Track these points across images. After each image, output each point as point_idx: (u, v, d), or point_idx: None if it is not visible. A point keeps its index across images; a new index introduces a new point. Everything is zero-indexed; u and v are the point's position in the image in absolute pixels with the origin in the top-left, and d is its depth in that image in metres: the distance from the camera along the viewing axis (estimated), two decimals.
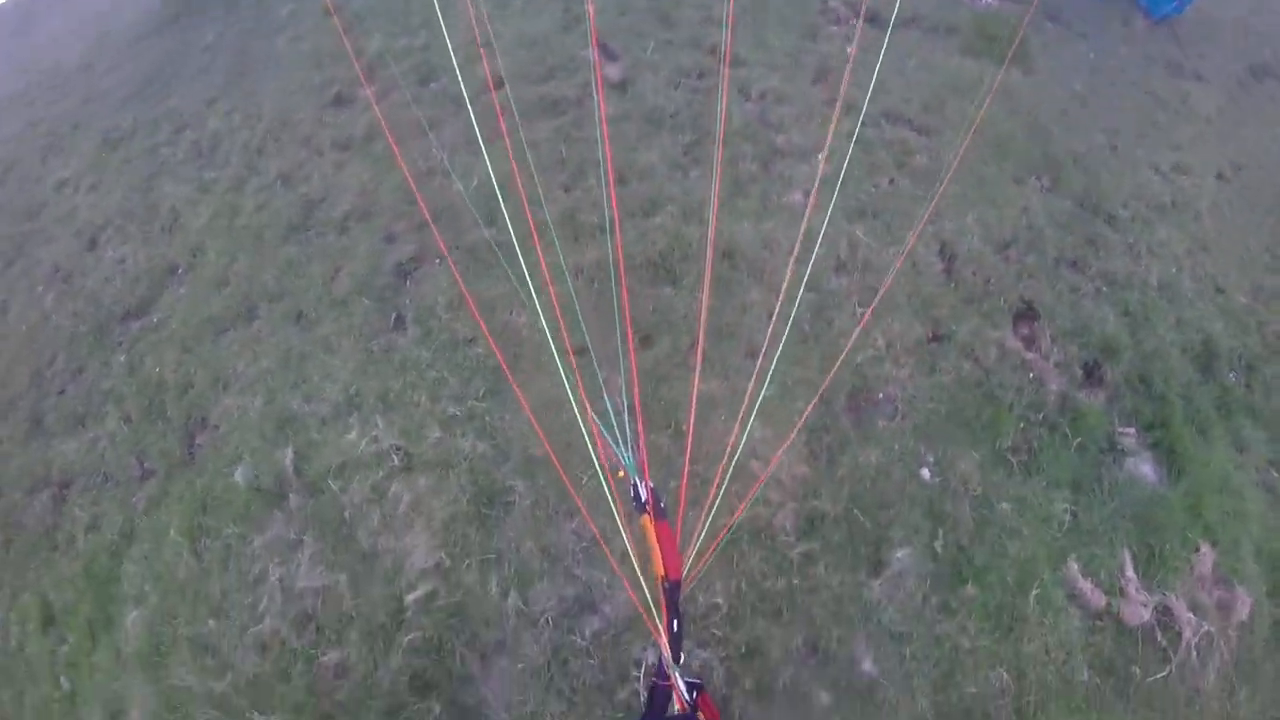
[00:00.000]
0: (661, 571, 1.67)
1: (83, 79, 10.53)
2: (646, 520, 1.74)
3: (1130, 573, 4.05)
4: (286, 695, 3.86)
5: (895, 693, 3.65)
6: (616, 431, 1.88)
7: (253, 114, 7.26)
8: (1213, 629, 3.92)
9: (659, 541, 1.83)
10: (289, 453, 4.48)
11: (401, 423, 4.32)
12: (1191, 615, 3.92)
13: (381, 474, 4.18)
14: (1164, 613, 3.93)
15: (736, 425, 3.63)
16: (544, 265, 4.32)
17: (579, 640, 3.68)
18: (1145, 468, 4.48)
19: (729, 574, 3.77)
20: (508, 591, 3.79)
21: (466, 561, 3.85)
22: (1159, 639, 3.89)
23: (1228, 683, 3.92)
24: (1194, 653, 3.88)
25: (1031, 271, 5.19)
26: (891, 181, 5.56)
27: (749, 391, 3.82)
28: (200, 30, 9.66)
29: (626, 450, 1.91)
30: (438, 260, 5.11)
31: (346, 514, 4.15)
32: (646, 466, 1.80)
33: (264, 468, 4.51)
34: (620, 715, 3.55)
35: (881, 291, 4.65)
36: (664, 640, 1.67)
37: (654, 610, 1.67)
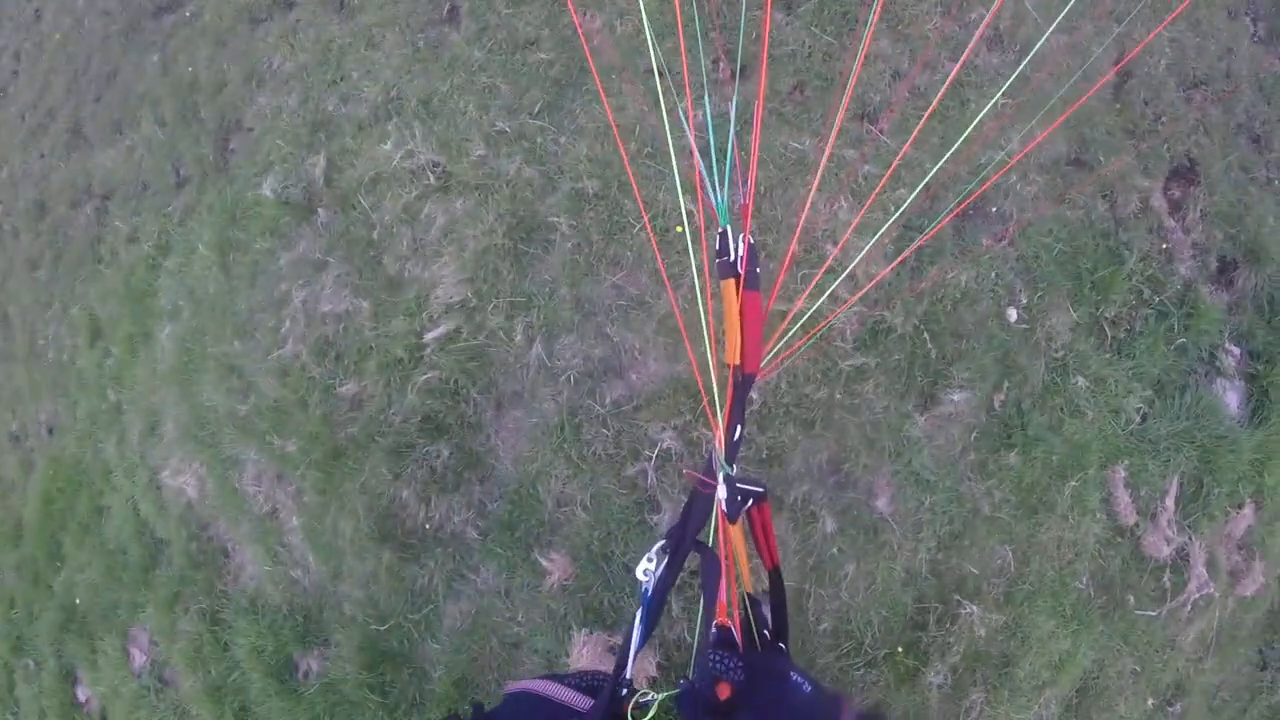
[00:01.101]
0: (736, 359, 1.04)
1: None
2: (732, 286, 1.08)
3: (1170, 502, 3.50)
4: (303, 424, 3.61)
5: (900, 538, 3.24)
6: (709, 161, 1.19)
7: None
8: (1215, 593, 3.50)
9: (744, 317, 1.18)
10: (321, 160, 3.97)
11: (442, 133, 3.68)
12: (1204, 570, 3.48)
13: (415, 192, 3.62)
14: (1182, 556, 3.48)
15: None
16: None
17: (597, 406, 3.28)
18: (1232, 397, 3.74)
19: (769, 369, 3.21)
20: (533, 340, 3.36)
21: (494, 301, 3.38)
22: (1165, 579, 3.45)
23: (1203, 647, 3.59)
24: (1188, 606, 3.48)
25: (1210, 127, 4.06)
26: None
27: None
28: None
29: (721, 190, 1.20)
30: None
31: (375, 234, 3.67)
32: (749, 211, 1.10)
33: (294, 177, 4.04)
34: (624, 491, 3.24)
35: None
36: (720, 439, 1.20)
37: (716, 401, 1.08)
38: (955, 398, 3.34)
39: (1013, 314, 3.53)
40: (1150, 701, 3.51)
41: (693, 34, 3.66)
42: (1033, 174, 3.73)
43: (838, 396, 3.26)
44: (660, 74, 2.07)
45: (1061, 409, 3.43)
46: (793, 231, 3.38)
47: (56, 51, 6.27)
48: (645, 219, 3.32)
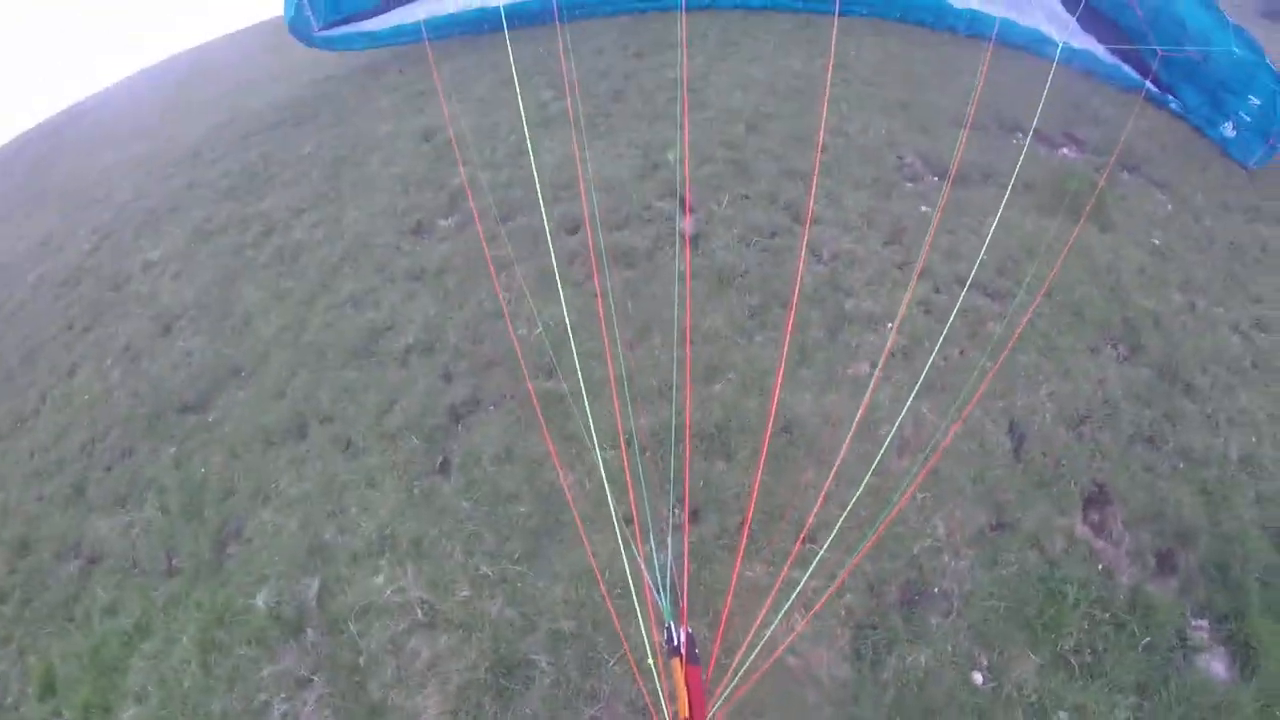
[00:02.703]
0: (685, 714, 1.78)
1: (191, 163, 11.40)
2: (678, 663, 1.86)
3: None
4: None
5: None
6: (659, 579, 2.00)
7: (335, 230, 7.71)
8: None
9: (688, 683, 1.97)
10: (315, 584, 4.50)
11: (431, 573, 4.34)
12: None
13: (403, 626, 4.16)
14: None
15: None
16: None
17: None
18: (1217, 665, 4.19)
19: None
20: None
21: None
22: None
23: None
24: None
25: (1105, 451, 5.03)
26: (962, 353, 5.52)
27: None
28: (302, 138, 10.48)
29: (666, 595, 2.04)
30: (492, 407, 5.27)
31: (361, 660, 4.11)
32: (685, 612, 1.91)
33: (287, 594, 4.53)
34: None
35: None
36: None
37: None
38: None
39: (978, 677, 3.97)
40: None
41: (655, 484, 4.54)
42: (962, 549, 4.43)
43: None
44: (628, 520, 2.72)
45: None
46: (752, 648, 3.91)
47: (81, 411, 6.87)
48: (626, 647, 3.66)
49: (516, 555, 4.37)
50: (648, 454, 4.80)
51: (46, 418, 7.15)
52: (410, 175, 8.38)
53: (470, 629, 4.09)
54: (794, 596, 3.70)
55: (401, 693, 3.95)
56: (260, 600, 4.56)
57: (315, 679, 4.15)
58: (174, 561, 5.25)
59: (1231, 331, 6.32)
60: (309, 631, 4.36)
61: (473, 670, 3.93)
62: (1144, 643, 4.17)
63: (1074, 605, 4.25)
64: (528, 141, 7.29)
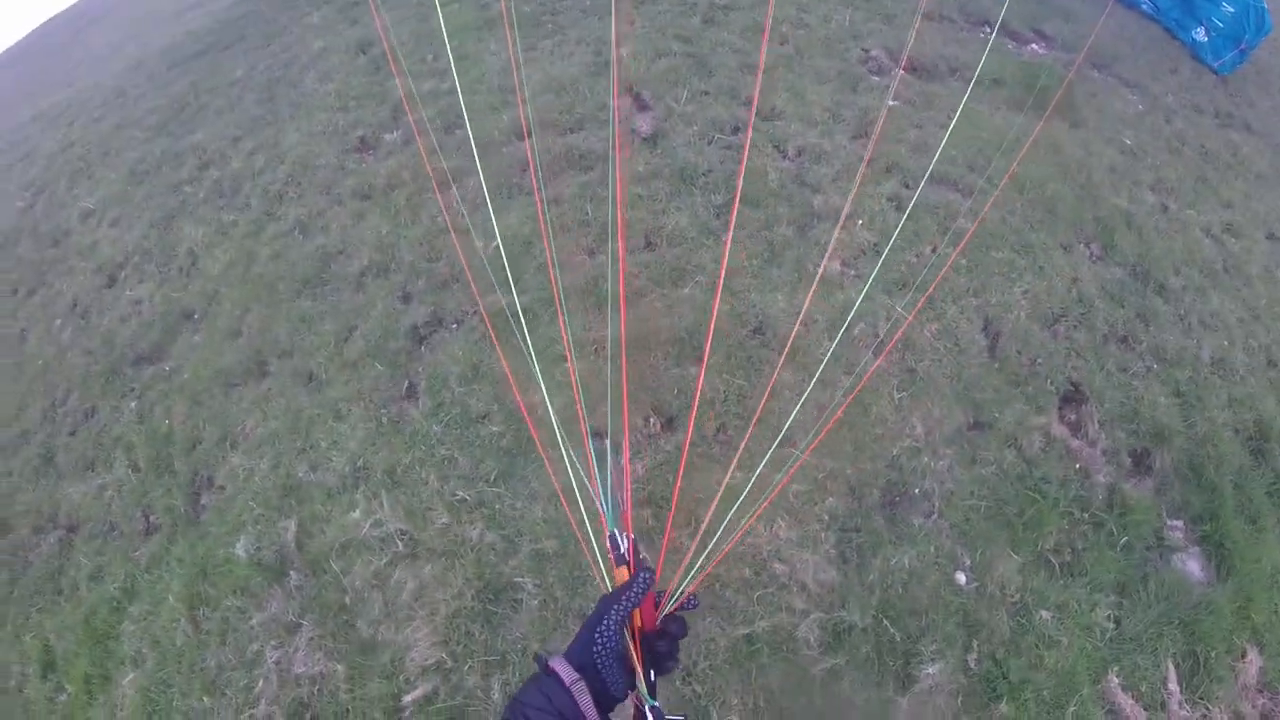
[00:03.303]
0: (638, 623, 1.60)
1: (117, 104, 10.67)
2: (624, 571, 1.67)
3: (1173, 685, 3.79)
4: None
5: None
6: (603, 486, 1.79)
7: (275, 156, 7.21)
8: None
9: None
10: (292, 525, 4.34)
11: (407, 503, 4.16)
12: None
13: (385, 559, 4.01)
14: None
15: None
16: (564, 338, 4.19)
17: None
18: (1193, 565, 4.23)
19: (745, 690, 3.56)
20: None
21: (469, 663, 3.64)
22: None
23: None
24: None
25: (1080, 350, 4.97)
26: (934, 250, 5.32)
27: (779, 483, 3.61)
28: (231, 63, 9.75)
29: (608, 499, 1.83)
30: (454, 325, 4.99)
31: (347, 599, 3.98)
32: (630, 515, 1.72)
33: (266, 540, 4.38)
34: None
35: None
36: (641, 679, 1.59)
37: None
38: (930, 670, 3.64)
39: (961, 577, 3.96)
40: None
41: (631, 395, 4.35)
42: (941, 449, 4.36)
43: (817, 702, 3.55)
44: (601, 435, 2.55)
45: (1036, 646, 3.75)
46: (740, 561, 3.86)
47: (37, 377, 6.62)
48: (593, 562, 3.68)
49: (492, 476, 4.18)
50: (611, 362, 4.58)
51: (3, 390, 6.88)
52: (348, 90, 7.79)
53: (453, 556, 3.95)
54: (762, 499, 3.54)
55: (390, 627, 3.83)
56: (240, 549, 4.41)
57: (304, 622, 4.03)
58: (151, 519, 5.10)
59: (1204, 235, 6.27)
60: (292, 575, 4.22)
61: (459, 598, 3.81)
62: (1122, 542, 4.16)
63: (1053, 505, 4.21)
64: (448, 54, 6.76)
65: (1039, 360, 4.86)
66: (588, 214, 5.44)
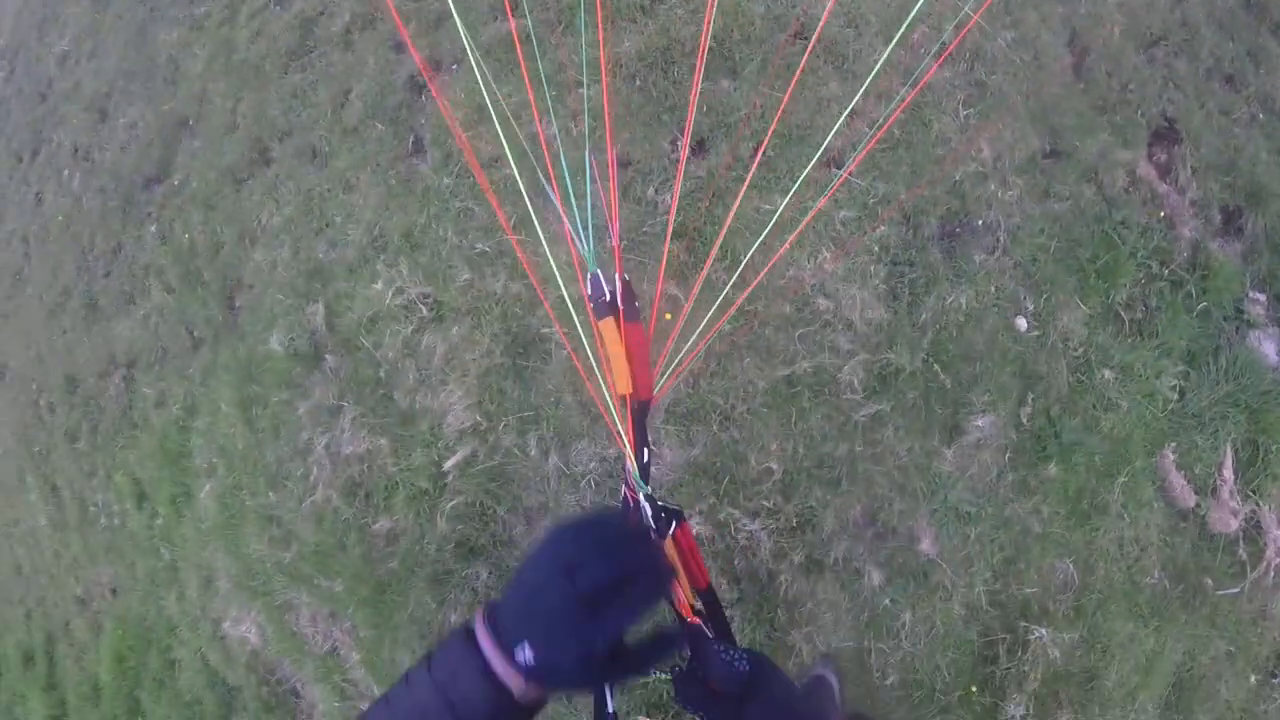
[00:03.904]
0: (628, 388, 1.08)
1: None
2: (611, 323, 1.12)
3: (1228, 473, 3.30)
4: (345, 564, 3.68)
5: (952, 576, 3.14)
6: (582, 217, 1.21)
7: None
8: None
9: (628, 349, 1.21)
10: (320, 308, 4.08)
11: (427, 264, 3.77)
12: (1279, 532, 3.25)
13: (412, 327, 3.71)
14: (1253, 524, 3.26)
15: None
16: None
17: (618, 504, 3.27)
18: (1269, 346, 3.55)
19: (785, 435, 3.20)
20: (548, 452, 3.38)
21: (504, 420, 3.41)
22: (1240, 552, 3.24)
23: None
24: (1271, 573, 3.24)
25: (1179, 81, 3.98)
26: None
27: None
28: None
29: (589, 237, 1.25)
30: (454, 65, 4.33)
31: (382, 372, 3.75)
32: (619, 250, 1.15)
33: (298, 328, 4.16)
34: None
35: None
36: (631, 461, 1.21)
37: (622, 433, 1.21)
38: (980, 423, 3.27)
39: (1022, 323, 3.46)
40: (1253, 678, 3.31)
41: (653, 117, 3.74)
42: (1011, 177, 3.66)
43: (858, 449, 3.22)
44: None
45: (1093, 407, 3.33)
46: (781, 295, 3.40)
47: (61, 232, 6.54)
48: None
49: (512, 222, 3.68)
50: (636, 81, 3.86)
51: (35, 257, 6.87)
52: None
53: (478, 314, 3.61)
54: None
55: (426, 394, 3.60)
56: (275, 343, 4.21)
57: (345, 404, 3.85)
58: (195, 334, 4.98)
59: None
60: (327, 358, 4.01)
61: (488, 356, 3.52)
62: (1200, 308, 3.48)
63: (1131, 254, 3.51)
64: None
65: (1131, 86, 3.91)
66: None
